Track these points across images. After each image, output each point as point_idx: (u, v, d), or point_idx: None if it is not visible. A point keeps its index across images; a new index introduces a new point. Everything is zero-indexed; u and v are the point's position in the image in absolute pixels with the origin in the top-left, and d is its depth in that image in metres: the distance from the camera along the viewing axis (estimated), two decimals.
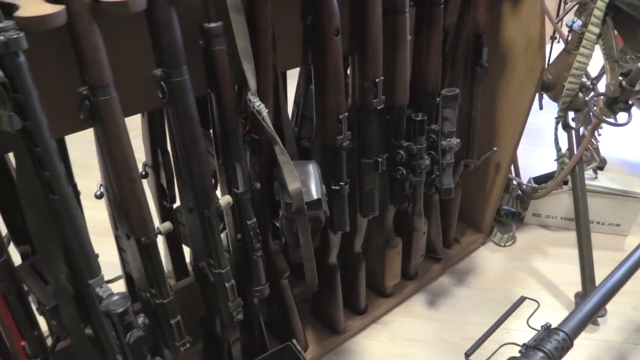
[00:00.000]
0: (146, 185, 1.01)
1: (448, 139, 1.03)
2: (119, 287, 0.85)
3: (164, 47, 0.65)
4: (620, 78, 1.22)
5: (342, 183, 0.92)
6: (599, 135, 1.38)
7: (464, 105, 1.16)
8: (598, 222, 1.52)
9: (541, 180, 1.51)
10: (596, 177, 1.47)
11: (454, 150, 1.04)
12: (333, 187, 0.92)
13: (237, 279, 0.87)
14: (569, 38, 1.35)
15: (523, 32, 1.14)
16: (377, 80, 0.89)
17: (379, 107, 0.91)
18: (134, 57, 0.69)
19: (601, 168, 1.80)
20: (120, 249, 0.82)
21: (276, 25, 0.76)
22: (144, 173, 1.00)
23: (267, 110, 0.76)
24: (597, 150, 1.78)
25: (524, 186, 1.49)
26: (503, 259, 1.43)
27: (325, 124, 0.87)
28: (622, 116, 1.27)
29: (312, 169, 0.86)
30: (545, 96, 1.41)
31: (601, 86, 1.40)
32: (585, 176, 1.45)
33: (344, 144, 0.88)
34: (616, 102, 1.24)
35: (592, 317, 0.90)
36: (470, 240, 1.43)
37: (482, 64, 1.11)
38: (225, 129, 0.77)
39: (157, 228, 0.70)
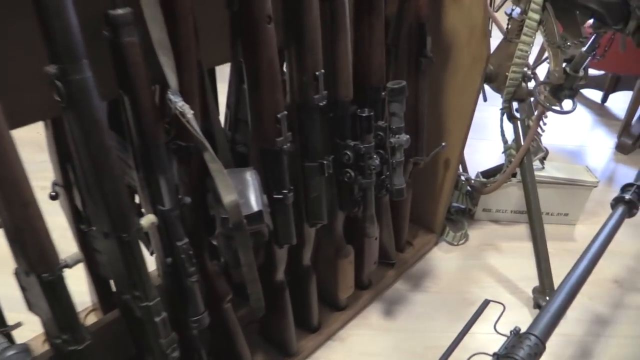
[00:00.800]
0: (58, 208, 0.87)
1: (397, 136, 0.95)
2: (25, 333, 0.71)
3: (57, 39, 0.52)
4: (564, 64, 1.19)
5: (285, 191, 0.82)
6: (544, 124, 1.35)
7: (411, 99, 1.09)
8: (547, 213, 1.50)
9: (489, 174, 1.48)
10: (543, 168, 1.45)
11: (404, 147, 0.96)
12: (275, 196, 0.82)
13: (171, 309, 0.75)
14: (509, 26, 1.32)
15: (466, 21, 1.09)
16: (317, 73, 0.79)
17: (321, 104, 0.82)
18: (25, 52, 0.57)
19: (544, 158, 1.79)
20: (23, 288, 0.68)
21: (198, 15, 0.66)
22: (54, 194, 0.86)
23: (192, 112, 0.65)
24: (540, 142, 1.77)
25: (473, 181, 1.44)
26: (458, 258, 1.38)
27: (261, 126, 0.77)
28: (567, 103, 1.25)
29: (250, 177, 0.75)
30: (487, 88, 1.38)
31: (541, 74, 1.38)
32: (533, 167, 1.42)
33: (285, 146, 0.78)
34: (561, 90, 1.21)
35: (561, 316, 0.85)
36: (423, 241, 1.36)
37: (426, 54, 1.04)
38: (143, 136, 0.65)
39: (63, 260, 0.58)
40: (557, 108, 1.24)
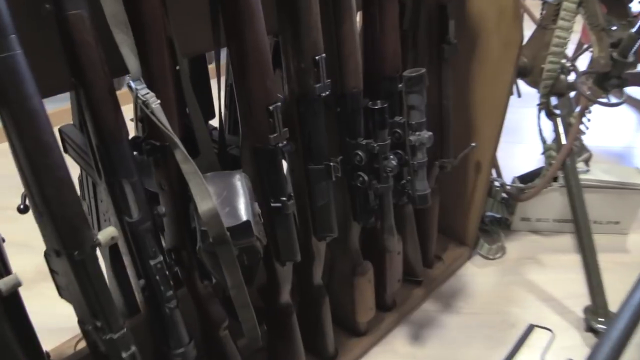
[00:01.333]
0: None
1: (417, 133, 0.82)
2: None
3: None
4: (610, 49, 1.03)
5: (283, 198, 0.69)
6: (588, 121, 1.19)
7: (433, 92, 0.96)
8: (595, 222, 1.32)
9: (527, 179, 1.32)
10: (588, 170, 1.29)
11: (426, 146, 0.83)
12: (273, 205, 0.70)
13: (154, 340, 0.64)
14: (543, 12, 1.18)
15: (494, 1, 0.95)
16: (317, 58, 0.67)
17: (323, 94, 0.70)
18: None
19: (587, 161, 1.62)
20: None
21: None
22: (22, 207, 0.75)
23: (158, 102, 0.54)
24: (581, 143, 1.60)
25: (509, 187, 1.29)
26: (494, 274, 1.22)
27: (251, 120, 0.65)
28: (615, 94, 1.09)
29: (239, 182, 0.63)
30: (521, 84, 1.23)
31: (581, 67, 1.23)
32: (577, 169, 1.26)
33: (280, 144, 0.66)
34: (608, 78, 1.06)
35: (624, 346, 0.69)
36: (454, 255, 1.21)
37: (449, 40, 0.91)
38: (101, 133, 0.54)
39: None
40: (604, 100, 1.09)
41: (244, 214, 0.60)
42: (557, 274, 1.22)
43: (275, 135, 0.65)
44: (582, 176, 1.24)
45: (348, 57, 0.74)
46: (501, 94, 1.01)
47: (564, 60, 1.23)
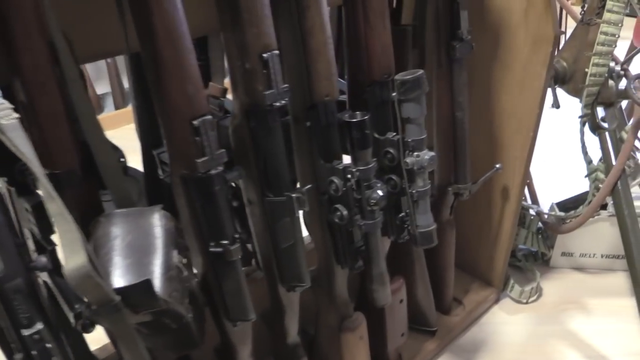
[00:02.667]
0: None
1: (415, 153, 0.63)
2: None
3: None
4: None
5: (225, 242, 0.52)
6: None
7: (444, 103, 0.78)
8: None
9: (568, 206, 1.10)
10: None
11: (428, 170, 0.64)
12: (212, 250, 0.53)
13: None
14: (585, 5, 0.97)
15: None
16: (265, 55, 0.50)
17: (278, 104, 0.52)
18: None
19: None
20: None
21: None
22: None
23: (16, 116, 0.38)
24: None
25: (546, 216, 1.07)
26: (527, 322, 1.01)
27: (174, 139, 0.49)
28: None
29: (155, 222, 0.47)
30: (561, 92, 1.03)
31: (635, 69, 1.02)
32: (632, 195, 1.04)
33: (214, 171, 0.49)
34: None
35: None
36: (477, 299, 1.01)
37: (461, 36, 0.72)
38: None
39: None
40: None
41: (150, 268, 0.44)
42: (607, 323, 1.00)
43: (204, 159, 0.48)
44: (637, 203, 1.02)
45: (316, 55, 0.56)
46: (532, 104, 0.81)
47: (612, 63, 1.02)
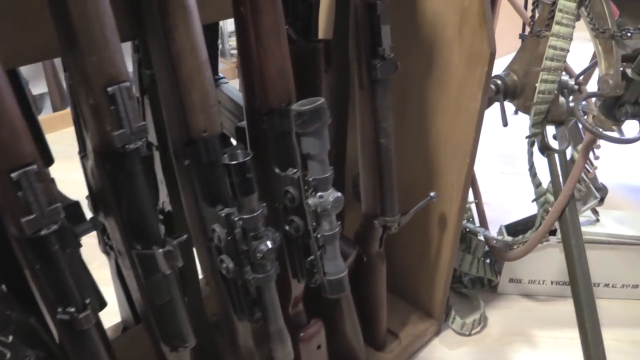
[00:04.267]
0: None
1: (319, 194, 0.55)
2: None
3: None
4: (623, 65, 0.75)
5: (71, 309, 0.43)
6: (596, 158, 0.90)
7: (367, 129, 0.69)
8: (607, 285, 1.03)
9: (519, 228, 1.03)
10: (598, 220, 0.99)
11: (332, 212, 0.56)
12: (60, 317, 0.44)
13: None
14: (535, 15, 0.89)
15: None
16: (110, 89, 0.41)
17: (131, 147, 0.43)
18: None
19: (602, 200, 1.32)
20: None
21: None
22: None
23: None
24: (594, 179, 1.30)
25: (494, 241, 1.00)
26: (469, 357, 0.93)
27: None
28: (630, 126, 0.80)
29: None
30: (511, 107, 0.95)
31: (591, 86, 0.95)
32: (583, 220, 0.97)
33: (45, 231, 0.40)
34: (620, 105, 0.77)
35: None
36: (415, 331, 0.93)
37: (382, 54, 0.64)
38: None
39: None
40: (614, 134, 0.80)
41: None
42: (555, 355, 0.93)
43: (30, 218, 0.39)
44: (589, 229, 0.96)
45: (189, 84, 0.47)
46: (468, 128, 0.73)
47: (566, 77, 0.94)
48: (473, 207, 1.08)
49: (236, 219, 0.50)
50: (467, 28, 0.68)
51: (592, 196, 0.95)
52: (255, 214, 0.51)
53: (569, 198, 0.87)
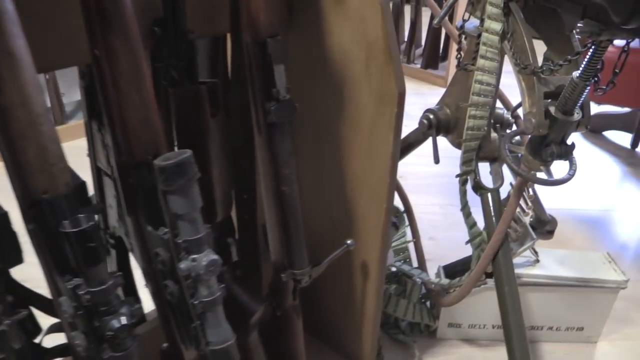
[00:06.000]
0: None
1: (192, 257, 0.49)
2: None
3: None
4: (548, 102, 0.70)
5: None
6: (531, 196, 0.86)
7: (267, 176, 0.63)
8: (550, 328, 0.98)
9: (457, 269, 0.98)
10: (537, 261, 0.94)
11: (206, 277, 0.49)
12: None
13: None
14: (463, 48, 0.86)
15: (357, 35, 0.63)
16: None
17: None
18: None
19: (551, 232, 1.28)
20: None
21: None
22: None
23: None
24: (541, 210, 1.26)
25: (432, 285, 0.94)
26: None
27: None
28: (559, 166, 0.76)
29: None
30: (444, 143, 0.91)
31: None
32: (521, 260, 0.92)
33: None
34: (546, 144, 0.73)
35: None
36: None
37: (277, 96, 0.58)
38: None
39: None
40: (542, 176, 0.75)
41: None
42: None
43: None
44: (528, 270, 0.91)
45: (20, 142, 0.41)
46: (382, 172, 0.68)
47: (502, 111, 0.90)
48: (412, 246, 1.03)
49: (82, 292, 0.43)
50: (374, 65, 0.63)
51: (529, 237, 0.90)
52: (104, 286, 0.44)
53: (501, 241, 0.82)
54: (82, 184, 0.46)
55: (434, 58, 2.37)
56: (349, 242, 0.71)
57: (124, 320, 0.45)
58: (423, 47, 2.46)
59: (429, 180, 1.40)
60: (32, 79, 0.41)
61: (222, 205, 0.65)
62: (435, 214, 1.36)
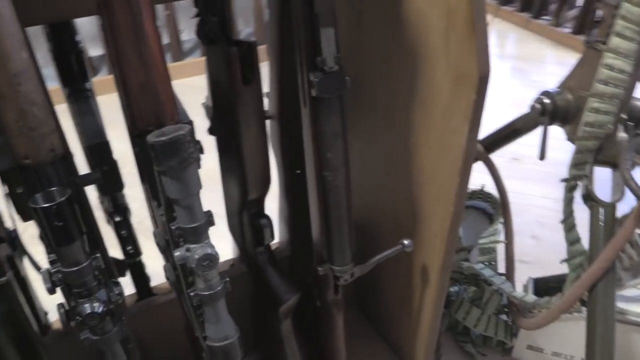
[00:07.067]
0: None
1: (186, 245, 0.43)
2: None
3: None
4: None
5: None
6: None
7: (308, 157, 0.55)
8: None
9: (551, 285, 0.83)
10: None
11: (204, 270, 0.43)
12: None
13: None
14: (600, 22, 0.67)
15: None
16: None
17: None
18: None
19: None
20: None
21: None
22: None
23: None
24: None
25: (515, 299, 0.80)
26: None
27: None
28: None
29: None
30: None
31: None
32: (631, 293, 0.75)
33: None
34: None
35: None
36: None
37: (321, 66, 0.48)
38: None
39: None
40: None
41: None
42: None
43: None
44: (633, 308, 0.73)
45: None
46: (452, 168, 0.56)
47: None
48: (502, 247, 0.89)
49: (54, 271, 0.40)
50: (454, 37, 0.50)
51: None
52: (77, 267, 0.40)
53: (606, 268, 0.66)
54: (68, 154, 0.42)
55: (588, 22, 2.01)
56: (406, 242, 0.61)
57: (97, 306, 0.41)
58: (577, 8, 2.11)
59: (550, 168, 1.20)
60: (11, 33, 0.36)
61: (257, 182, 0.58)
62: (546, 209, 1.17)
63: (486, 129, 0.71)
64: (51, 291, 0.41)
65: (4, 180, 0.44)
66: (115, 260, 0.72)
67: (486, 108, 0.51)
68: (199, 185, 0.41)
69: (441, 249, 0.63)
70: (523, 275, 0.88)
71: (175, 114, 0.43)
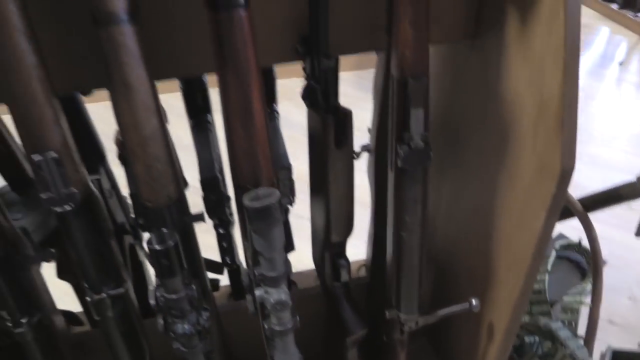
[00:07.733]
0: None
1: (267, 289, 0.50)
2: None
3: None
4: None
5: None
6: None
7: (390, 213, 0.59)
8: None
9: (632, 358, 0.80)
10: None
11: (277, 313, 0.50)
12: None
13: None
14: None
15: (535, 82, 0.52)
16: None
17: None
18: None
19: None
20: None
21: None
22: None
23: None
24: None
25: None
26: None
27: None
28: None
29: None
30: None
31: None
32: None
33: None
34: None
35: None
36: None
37: (408, 141, 0.52)
38: None
39: None
40: None
41: None
42: None
43: None
44: None
45: (132, 157, 0.46)
46: (526, 247, 0.57)
47: None
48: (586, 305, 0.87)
49: (159, 295, 0.49)
50: (543, 128, 0.51)
51: None
52: (175, 295, 0.48)
53: None
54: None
55: None
56: (474, 302, 0.64)
57: (187, 328, 0.49)
58: None
59: None
60: (143, 104, 0.44)
61: (340, 229, 0.64)
62: None
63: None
64: (155, 307, 0.50)
65: None
66: (215, 263, 0.82)
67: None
68: (282, 242, 0.48)
69: (507, 314, 0.64)
70: (610, 338, 0.86)
71: (272, 175, 0.50)
